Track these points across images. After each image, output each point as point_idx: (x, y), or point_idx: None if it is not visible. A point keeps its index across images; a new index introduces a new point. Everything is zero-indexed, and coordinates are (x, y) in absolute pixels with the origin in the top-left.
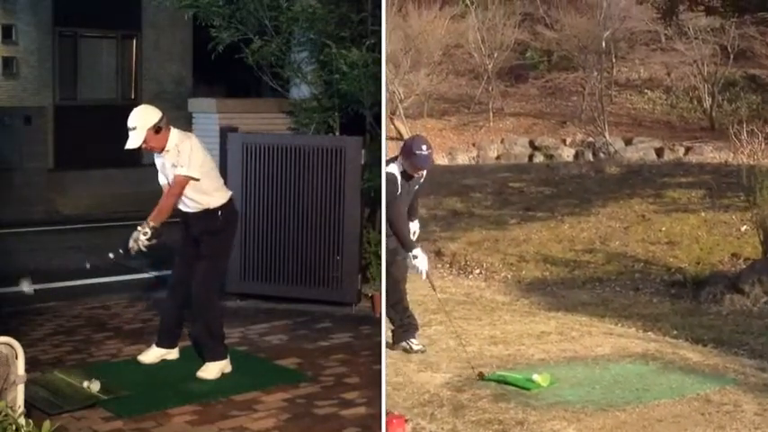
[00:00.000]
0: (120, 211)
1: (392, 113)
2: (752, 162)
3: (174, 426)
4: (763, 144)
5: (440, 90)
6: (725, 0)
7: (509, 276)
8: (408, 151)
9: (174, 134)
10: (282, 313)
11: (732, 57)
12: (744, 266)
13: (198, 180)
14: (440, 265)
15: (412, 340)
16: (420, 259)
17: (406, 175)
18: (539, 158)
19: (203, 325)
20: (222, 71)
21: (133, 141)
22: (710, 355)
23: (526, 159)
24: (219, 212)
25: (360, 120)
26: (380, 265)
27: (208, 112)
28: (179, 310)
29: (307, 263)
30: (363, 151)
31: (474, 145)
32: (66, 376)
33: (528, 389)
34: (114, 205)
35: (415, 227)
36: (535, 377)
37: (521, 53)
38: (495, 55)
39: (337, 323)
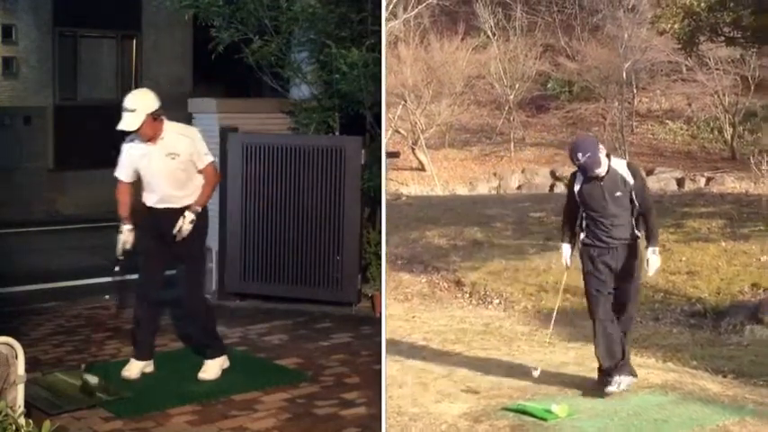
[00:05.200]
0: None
1: (414, 144)
2: None
3: (174, 426)
4: None
5: (461, 121)
6: (744, 31)
7: (529, 306)
8: (571, 159)
9: (170, 123)
10: (282, 313)
11: (753, 87)
12: (764, 297)
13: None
14: (459, 295)
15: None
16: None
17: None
18: (560, 188)
19: (200, 326)
20: (222, 71)
21: (131, 123)
22: (730, 386)
23: (547, 189)
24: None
25: (360, 120)
26: (380, 265)
27: (208, 112)
28: (155, 319)
29: (307, 263)
30: (363, 151)
31: (495, 175)
32: (67, 377)
33: (546, 419)
34: (114, 205)
35: (649, 254)
36: (554, 408)
37: (542, 84)
38: (517, 86)
39: (337, 323)
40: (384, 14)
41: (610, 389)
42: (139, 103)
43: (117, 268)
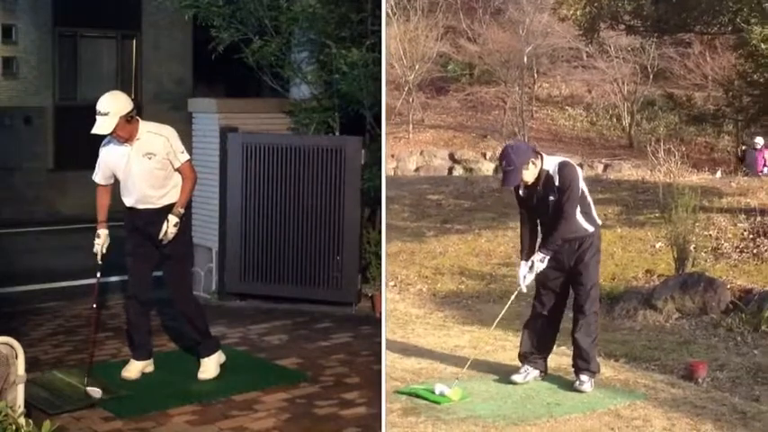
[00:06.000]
0: (119, 211)
1: None
2: (668, 180)
3: (174, 426)
4: (679, 163)
5: None
6: (645, 20)
7: (424, 289)
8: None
9: (144, 123)
10: (282, 313)
11: (651, 76)
12: (657, 283)
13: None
14: None
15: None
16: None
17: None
18: (458, 171)
19: (192, 324)
20: (222, 71)
21: (104, 127)
22: (622, 370)
23: (446, 172)
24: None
25: (360, 120)
26: (380, 265)
27: (208, 112)
28: (146, 317)
29: (307, 263)
30: (363, 151)
31: (393, 156)
32: (66, 376)
33: (439, 403)
34: (114, 205)
35: (535, 257)
36: (447, 391)
37: (442, 66)
38: (417, 67)
39: (337, 323)
40: (384, 14)
41: (515, 377)
42: (112, 106)
43: (99, 273)
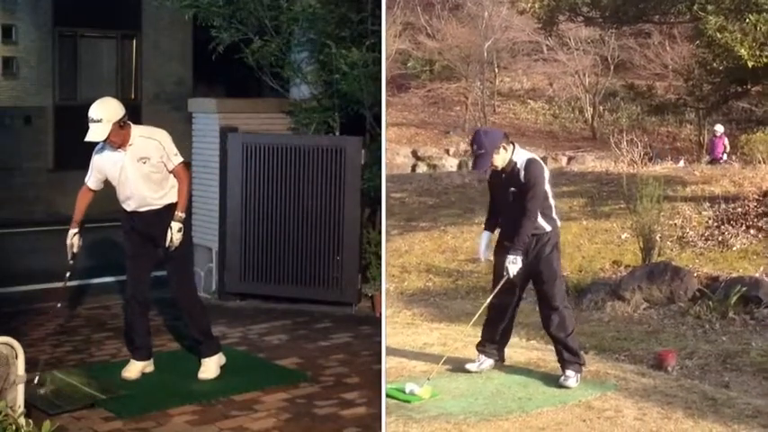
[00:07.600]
0: (119, 211)
1: None
2: (632, 171)
3: (174, 426)
4: (642, 153)
5: None
6: (603, 11)
7: (391, 288)
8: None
9: (137, 128)
10: (282, 313)
11: (612, 67)
12: (624, 273)
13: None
14: None
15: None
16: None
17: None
18: (422, 168)
19: (192, 325)
20: (222, 71)
21: (98, 134)
22: (592, 362)
23: (409, 169)
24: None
25: (360, 120)
26: (380, 265)
27: (208, 112)
28: (145, 318)
29: (307, 263)
30: (363, 151)
31: None
32: (66, 376)
33: (409, 402)
34: (113, 205)
35: (508, 263)
36: (417, 390)
37: (402, 63)
38: None
39: (337, 323)
40: (384, 14)
41: (469, 366)
42: (105, 113)
43: (68, 274)
